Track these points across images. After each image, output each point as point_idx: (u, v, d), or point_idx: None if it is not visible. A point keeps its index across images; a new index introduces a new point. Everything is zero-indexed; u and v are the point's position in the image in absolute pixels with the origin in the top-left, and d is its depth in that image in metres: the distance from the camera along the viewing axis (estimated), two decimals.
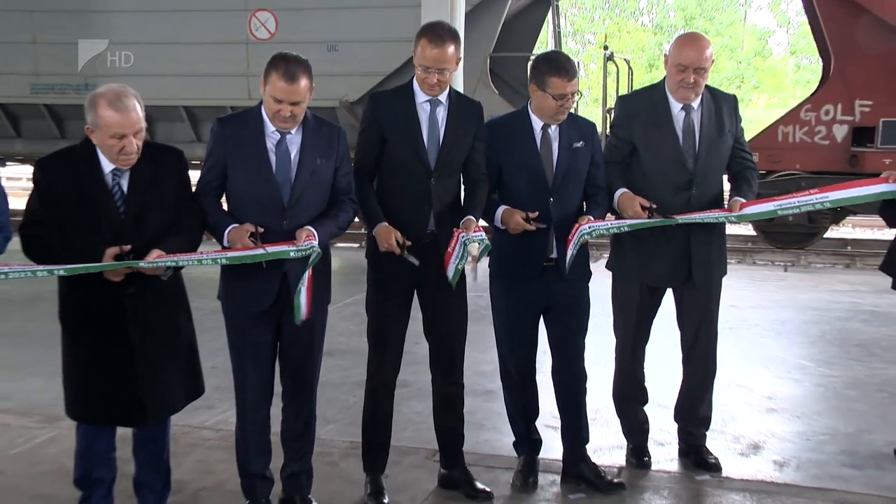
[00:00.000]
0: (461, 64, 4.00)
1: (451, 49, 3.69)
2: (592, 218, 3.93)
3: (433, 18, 4.48)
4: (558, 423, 4.24)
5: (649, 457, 4.42)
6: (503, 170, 3.99)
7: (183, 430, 4.54)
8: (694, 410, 4.43)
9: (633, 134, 4.19)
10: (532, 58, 12.97)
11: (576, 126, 4.04)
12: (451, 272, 3.72)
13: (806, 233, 11.81)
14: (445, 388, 4.03)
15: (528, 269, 3.98)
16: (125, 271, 3.27)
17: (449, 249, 3.70)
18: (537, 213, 3.84)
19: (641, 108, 4.23)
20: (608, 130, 11.67)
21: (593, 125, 4.19)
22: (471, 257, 3.74)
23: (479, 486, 4.04)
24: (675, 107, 4.13)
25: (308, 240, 3.46)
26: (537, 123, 3.98)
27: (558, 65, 3.88)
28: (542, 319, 4.12)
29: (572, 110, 4.01)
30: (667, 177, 4.12)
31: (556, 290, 4.00)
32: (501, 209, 3.91)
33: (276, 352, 3.72)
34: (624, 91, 12.22)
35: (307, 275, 3.45)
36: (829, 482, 4.20)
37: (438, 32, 3.70)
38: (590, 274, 4.12)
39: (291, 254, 3.43)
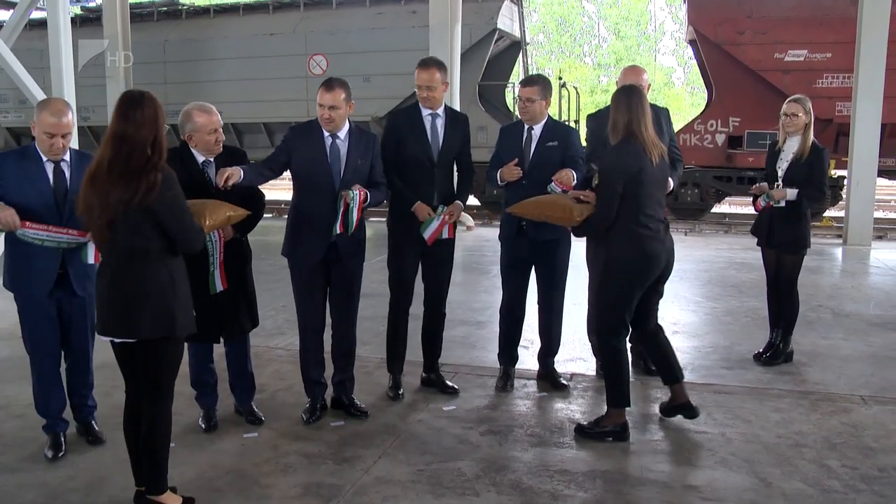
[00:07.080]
0: (457, 86, 3.88)
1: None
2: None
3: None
4: (530, 345, 4.14)
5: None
6: (501, 157, 3.87)
7: (263, 350, 4.48)
8: None
9: None
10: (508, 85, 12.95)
11: (552, 130, 3.86)
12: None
13: (699, 208, 11.90)
14: (433, 316, 3.95)
15: (510, 230, 3.90)
16: None
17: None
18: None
19: None
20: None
21: (568, 129, 4.00)
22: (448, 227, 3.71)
23: (449, 384, 3.97)
24: None
25: (355, 189, 3.36)
26: (526, 126, 3.84)
27: (524, 79, 4.03)
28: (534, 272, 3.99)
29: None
30: None
31: (531, 248, 3.88)
32: (500, 170, 3.80)
33: (327, 293, 3.61)
34: (573, 109, 12.35)
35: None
36: (713, 379, 4.22)
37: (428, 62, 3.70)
38: (559, 237, 3.89)
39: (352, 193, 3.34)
